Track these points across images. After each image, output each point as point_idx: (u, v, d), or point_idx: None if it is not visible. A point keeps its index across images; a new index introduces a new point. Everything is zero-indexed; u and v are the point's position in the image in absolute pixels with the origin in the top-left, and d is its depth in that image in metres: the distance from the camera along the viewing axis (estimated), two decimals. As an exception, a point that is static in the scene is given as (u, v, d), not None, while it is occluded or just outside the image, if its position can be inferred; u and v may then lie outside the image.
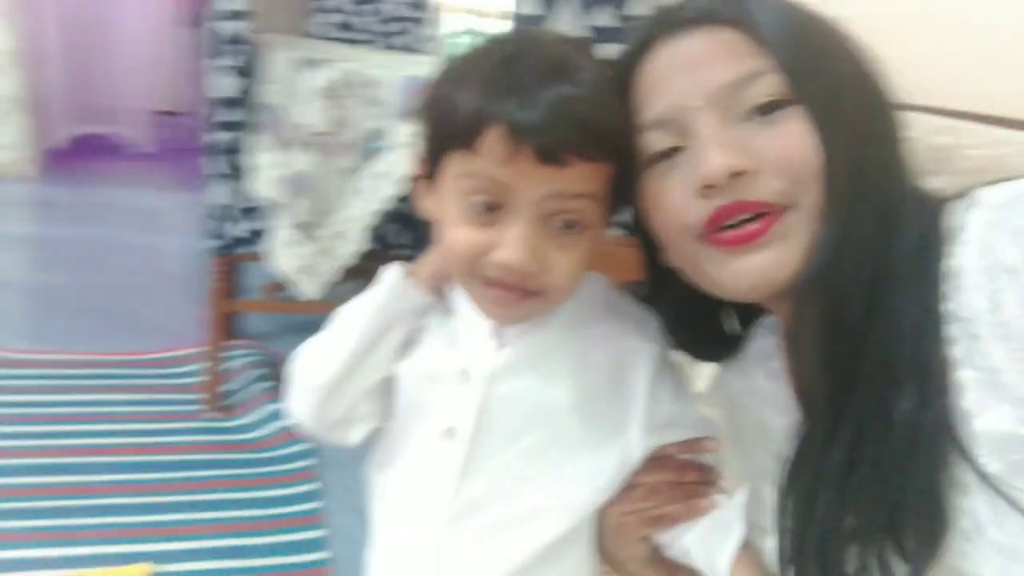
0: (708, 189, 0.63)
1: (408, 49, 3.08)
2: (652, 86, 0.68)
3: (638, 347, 0.77)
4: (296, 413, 0.83)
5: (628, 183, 0.70)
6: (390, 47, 3.12)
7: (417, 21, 3.22)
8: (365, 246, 1.80)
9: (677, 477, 0.76)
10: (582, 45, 0.78)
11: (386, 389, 0.81)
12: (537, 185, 0.65)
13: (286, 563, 1.73)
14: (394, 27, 3.23)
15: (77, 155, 4.88)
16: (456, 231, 0.69)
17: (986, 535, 0.56)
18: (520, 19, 1.30)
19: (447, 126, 0.68)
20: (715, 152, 0.62)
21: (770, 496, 0.71)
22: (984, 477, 0.55)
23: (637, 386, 0.77)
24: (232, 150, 2.03)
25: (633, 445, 0.76)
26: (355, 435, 0.82)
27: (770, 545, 0.70)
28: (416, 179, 0.77)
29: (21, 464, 1.92)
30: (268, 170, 1.91)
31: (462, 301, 0.78)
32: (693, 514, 0.75)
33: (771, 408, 0.75)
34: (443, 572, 0.77)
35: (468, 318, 0.77)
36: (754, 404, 0.79)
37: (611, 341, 0.77)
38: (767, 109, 0.63)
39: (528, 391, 0.76)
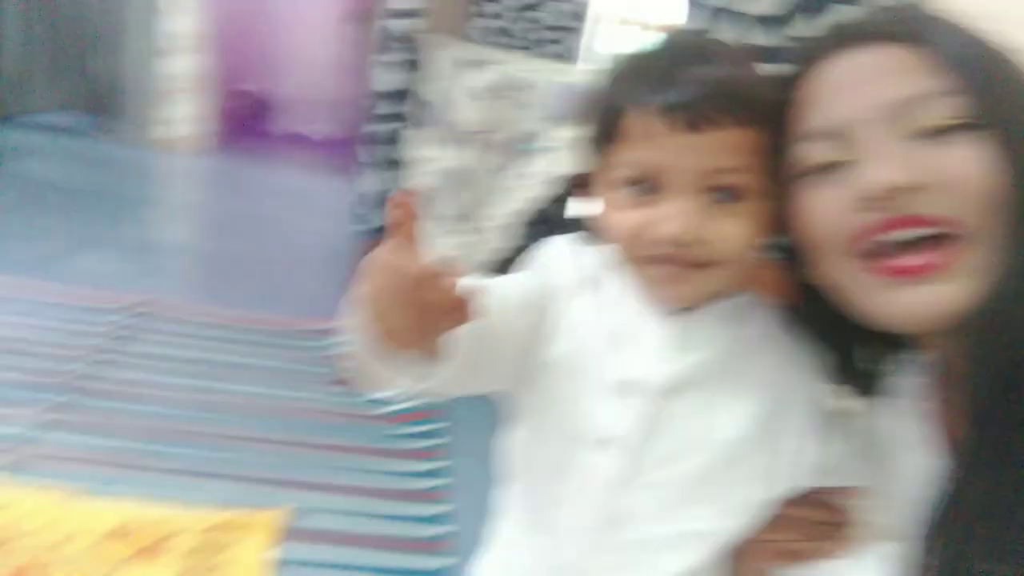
0: (867, 202, 0.61)
1: (561, 57, 3.16)
2: (821, 96, 0.66)
3: (802, 383, 0.76)
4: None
5: (782, 158, 0.69)
6: (543, 55, 3.21)
7: (573, 31, 3.30)
8: (511, 243, 1.87)
9: (824, 516, 0.73)
10: (726, 43, 0.79)
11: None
12: (685, 159, 0.66)
13: (405, 533, 1.81)
14: (550, 35, 3.32)
15: (247, 135, 5.24)
16: (618, 216, 0.70)
17: None
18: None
19: (603, 121, 0.71)
20: (881, 165, 0.61)
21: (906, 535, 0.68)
22: None
23: (797, 424, 0.75)
24: (389, 141, 2.16)
25: (788, 482, 0.74)
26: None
27: None
28: (577, 184, 0.78)
29: (177, 406, 2.11)
30: (429, 162, 2.01)
31: (627, 297, 0.75)
32: (822, 556, 0.72)
33: (915, 451, 0.72)
34: (593, 569, 0.76)
35: (637, 318, 0.74)
36: (897, 446, 0.75)
37: (777, 371, 0.75)
38: (940, 132, 0.61)
39: (697, 413, 0.73)
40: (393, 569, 1.71)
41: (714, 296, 0.73)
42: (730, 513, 0.74)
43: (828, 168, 0.65)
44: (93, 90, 4.56)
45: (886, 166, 0.60)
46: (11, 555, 1.53)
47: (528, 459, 0.80)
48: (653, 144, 0.67)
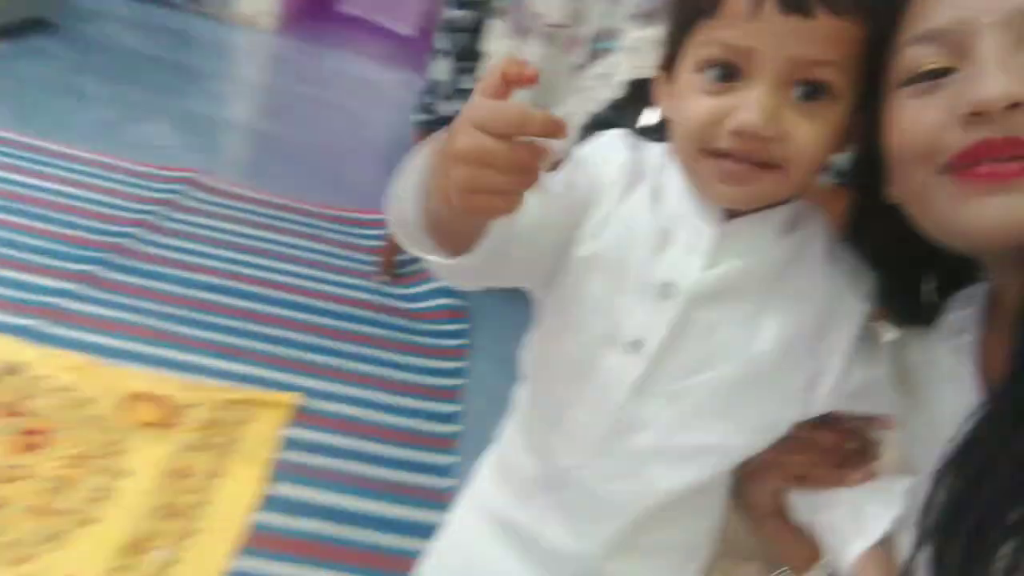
0: (976, 116, 0.55)
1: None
2: None
3: (849, 304, 0.71)
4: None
5: (874, 52, 0.63)
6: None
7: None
8: (574, 145, 1.76)
9: (839, 441, 0.72)
10: None
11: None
12: (779, 44, 0.61)
13: (419, 428, 1.78)
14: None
15: (323, 17, 5.13)
16: (692, 101, 0.65)
17: None
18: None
19: (690, 0, 0.66)
20: (997, 76, 0.54)
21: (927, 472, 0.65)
22: None
23: (839, 346, 0.70)
24: (467, 29, 2.04)
25: (817, 405, 0.71)
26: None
27: (907, 540, 0.63)
28: (656, 77, 0.73)
29: (209, 281, 2.07)
30: (495, 56, 1.90)
31: (680, 197, 0.71)
32: (840, 484, 0.71)
33: (948, 385, 0.69)
34: (589, 485, 0.73)
35: (685, 219, 0.70)
36: (930, 379, 0.72)
37: (825, 289, 0.70)
38: None
39: (731, 323, 0.69)
40: (400, 461, 1.68)
41: (770, 203, 0.68)
42: (750, 430, 0.71)
43: (934, 75, 0.59)
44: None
45: (1002, 76, 0.54)
46: (21, 417, 1.49)
47: (548, 358, 0.76)
48: (752, 22, 0.61)
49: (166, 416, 1.59)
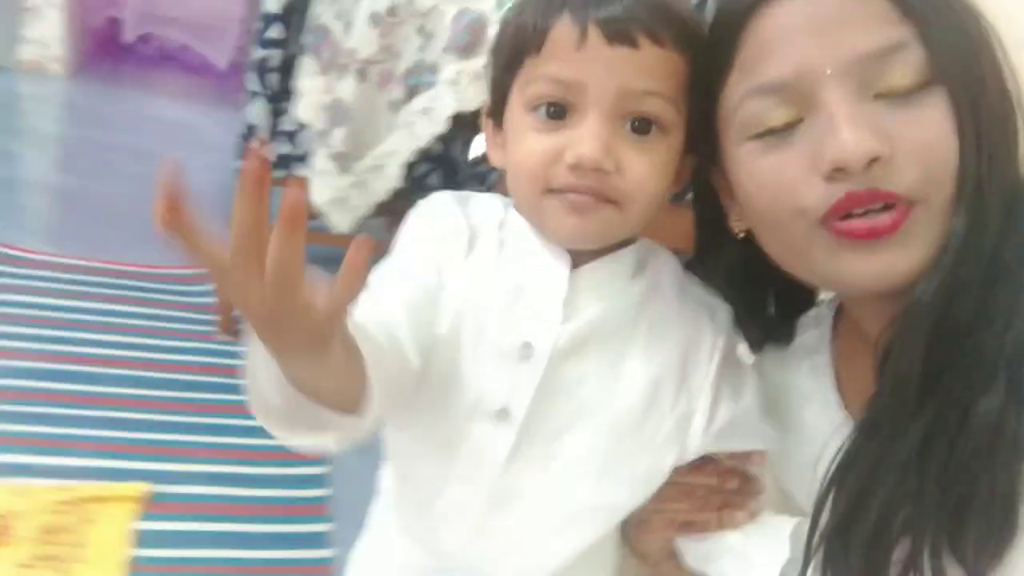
0: (839, 173, 0.57)
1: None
2: (773, 44, 0.61)
3: (707, 339, 0.72)
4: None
5: (703, 95, 0.66)
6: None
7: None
8: (399, 183, 1.72)
9: (718, 483, 0.72)
10: None
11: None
12: (607, 75, 0.62)
13: (285, 496, 1.70)
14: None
15: (124, 59, 4.82)
16: (524, 143, 0.65)
17: None
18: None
19: (516, 39, 0.66)
20: (852, 132, 0.56)
21: (800, 492, 0.70)
22: None
23: (702, 382, 0.71)
24: (275, 69, 1.96)
25: (691, 446, 0.71)
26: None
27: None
28: (485, 125, 0.73)
29: (25, 367, 1.88)
30: (310, 95, 1.84)
31: (523, 250, 0.70)
32: (726, 526, 0.71)
33: (811, 405, 0.73)
34: (477, 567, 0.71)
35: (534, 272, 0.69)
36: (792, 400, 0.75)
37: (681, 327, 0.72)
38: (906, 87, 0.58)
39: (596, 375, 0.69)
40: (270, 536, 1.60)
41: (614, 243, 0.69)
42: (630, 483, 0.70)
43: (783, 128, 0.61)
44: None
45: (856, 132, 0.56)
46: None
47: (415, 437, 0.73)
48: (574, 56, 0.63)
49: (-5, 532, 1.43)
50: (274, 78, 1.98)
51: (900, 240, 0.58)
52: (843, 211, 0.58)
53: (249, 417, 0.58)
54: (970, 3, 0.61)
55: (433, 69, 1.48)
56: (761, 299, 0.77)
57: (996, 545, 0.54)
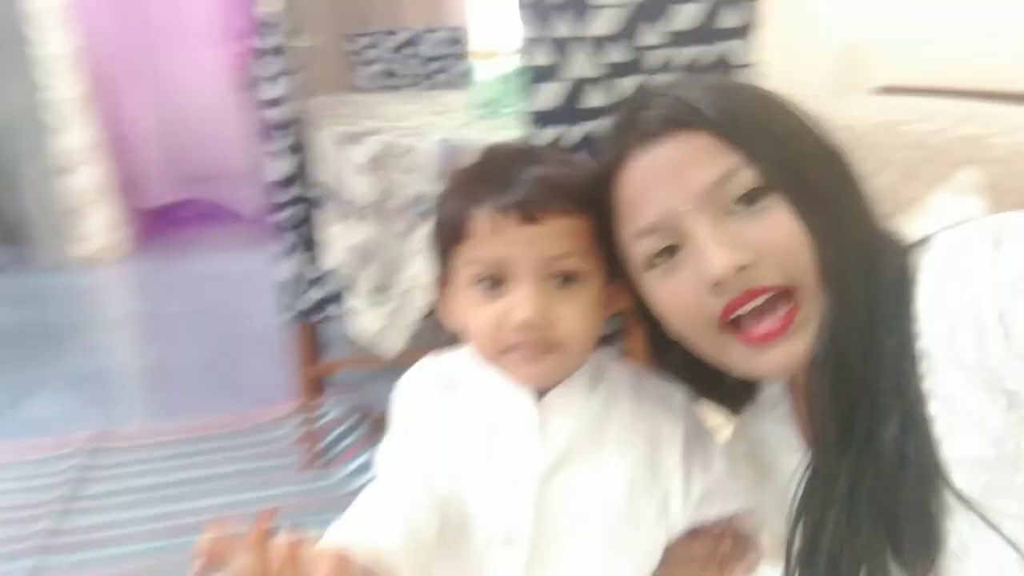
0: (718, 286, 0.68)
1: (449, 86, 3.17)
2: (637, 197, 0.73)
3: (668, 427, 0.82)
4: None
5: (609, 238, 0.77)
6: (433, 86, 3.21)
7: (456, 57, 3.31)
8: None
9: (713, 547, 0.80)
10: (546, 146, 0.86)
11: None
12: (530, 247, 0.74)
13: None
14: (434, 66, 3.33)
15: (170, 225, 5.14)
16: (474, 315, 0.78)
17: (971, 553, 0.61)
18: (535, 71, 1.34)
19: (443, 230, 0.80)
20: (717, 252, 0.67)
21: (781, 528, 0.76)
22: (961, 499, 0.61)
23: (672, 465, 0.81)
24: (297, 224, 2.14)
25: (676, 521, 0.81)
26: None
27: None
28: (436, 293, 0.85)
29: (154, 541, 2.08)
30: (336, 240, 2.00)
31: (494, 390, 0.81)
32: None
33: (782, 450, 0.81)
34: None
35: (505, 409, 0.80)
36: (766, 450, 0.83)
37: (642, 422, 0.82)
38: (750, 199, 0.68)
39: (580, 484, 0.79)
40: None
41: (569, 371, 0.80)
42: (631, 568, 0.79)
43: (666, 253, 0.72)
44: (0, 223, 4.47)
45: (720, 251, 0.67)
46: None
47: (447, 560, 0.81)
48: (496, 239, 0.75)
49: None
50: (296, 233, 2.17)
51: (792, 334, 0.68)
52: (729, 315, 0.69)
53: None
54: (768, 94, 0.72)
55: (425, 198, 1.63)
56: (718, 376, 0.84)
57: (926, 556, 0.63)
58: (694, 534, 0.81)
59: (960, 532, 0.62)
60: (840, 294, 0.67)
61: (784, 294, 0.68)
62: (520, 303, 0.74)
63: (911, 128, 1.09)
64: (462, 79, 3.10)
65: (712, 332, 0.71)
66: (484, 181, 0.77)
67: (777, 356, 0.69)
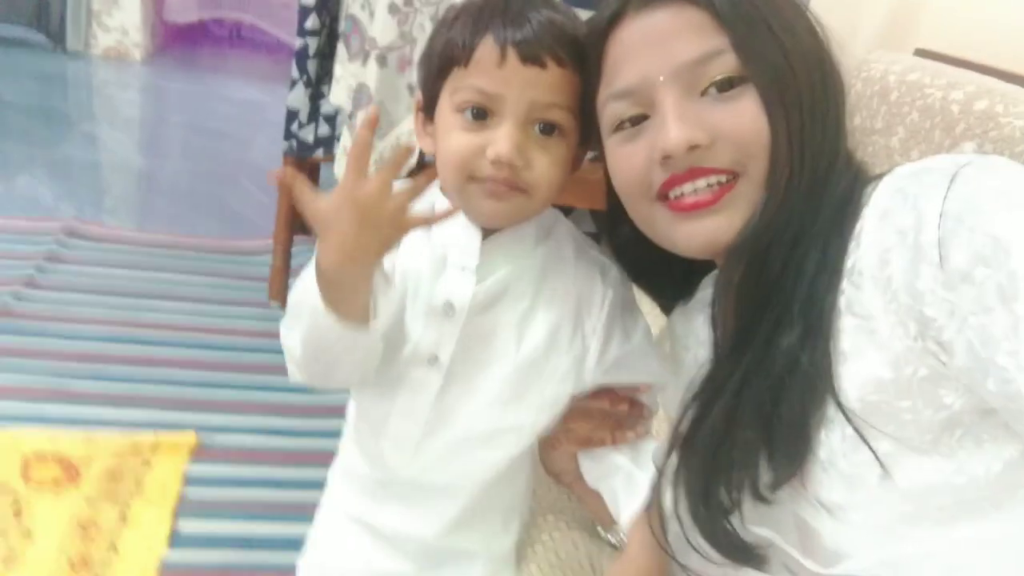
0: (667, 160, 0.69)
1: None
2: (622, 58, 0.73)
3: (599, 293, 0.86)
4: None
5: (592, 107, 0.78)
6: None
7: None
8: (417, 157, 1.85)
9: (611, 406, 0.87)
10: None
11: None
12: (521, 89, 0.75)
13: (319, 446, 1.85)
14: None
15: (200, 39, 5.06)
16: (453, 139, 0.78)
17: (836, 464, 0.64)
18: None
19: (445, 51, 0.79)
20: (675, 126, 0.68)
21: None
22: (843, 410, 0.63)
23: (594, 327, 0.85)
24: (314, 56, 2.10)
25: (587, 379, 0.86)
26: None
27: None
28: (416, 117, 0.86)
29: (96, 331, 2.12)
30: (341, 80, 1.97)
31: (449, 224, 0.81)
32: (619, 441, 0.88)
33: (701, 347, 0.82)
34: (417, 479, 0.88)
35: (454, 243, 0.82)
36: (691, 345, 0.86)
37: (577, 284, 0.86)
38: (724, 86, 0.68)
39: (506, 325, 0.83)
40: (304, 481, 1.73)
41: (523, 219, 0.82)
42: (536, 409, 0.85)
43: (632, 122, 0.73)
44: (37, 2, 4.39)
45: (678, 126, 0.68)
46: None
47: (376, 377, 0.86)
48: (496, 72, 0.75)
49: (66, 474, 1.64)
50: (313, 64, 2.13)
51: (719, 210, 0.69)
52: (668, 189, 0.70)
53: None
54: (794, 7, 0.71)
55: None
56: (662, 265, 0.87)
57: (793, 461, 0.65)
58: (597, 394, 0.87)
59: (830, 444, 0.64)
60: (779, 197, 0.67)
61: (726, 181, 0.69)
62: (502, 139, 0.75)
63: (931, 92, 1.06)
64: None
65: (647, 201, 0.73)
66: (496, 13, 0.76)
67: (699, 228, 0.70)
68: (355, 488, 0.94)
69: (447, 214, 0.74)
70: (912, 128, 1.07)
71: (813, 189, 0.67)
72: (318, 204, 0.67)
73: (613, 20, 0.74)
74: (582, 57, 0.76)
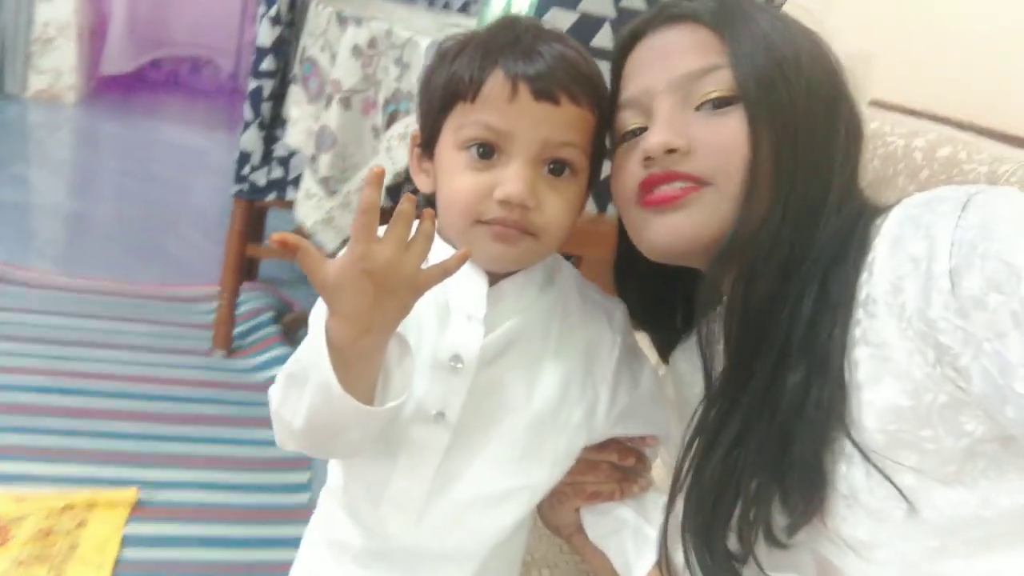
0: (647, 160, 0.70)
1: (462, 10, 3.07)
2: (633, 71, 0.76)
3: (607, 339, 0.82)
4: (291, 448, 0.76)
5: (603, 148, 0.78)
6: (445, 5, 3.10)
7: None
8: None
9: (619, 459, 0.83)
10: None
11: None
12: (533, 127, 0.71)
13: (270, 502, 1.77)
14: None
15: (135, 86, 4.96)
16: (458, 179, 0.73)
17: (860, 500, 0.63)
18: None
19: (450, 85, 0.74)
20: (658, 129, 0.70)
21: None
22: (859, 448, 0.62)
23: (604, 376, 0.81)
24: (268, 98, 2.06)
25: (599, 429, 0.81)
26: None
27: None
28: (413, 152, 0.81)
29: (27, 382, 1.98)
30: (299, 122, 1.93)
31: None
32: (625, 495, 0.83)
33: (697, 384, 0.80)
34: (422, 545, 0.79)
35: (458, 291, 0.76)
36: (696, 381, 0.82)
37: (585, 329, 0.81)
38: (719, 104, 0.69)
39: (515, 378, 0.77)
40: (251, 539, 1.66)
41: (530, 263, 0.78)
42: (549, 465, 0.80)
43: (634, 133, 0.74)
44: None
45: (662, 129, 0.70)
46: None
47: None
48: (506, 107, 0.71)
49: (-6, 534, 1.52)
50: (267, 107, 2.09)
51: (680, 207, 0.69)
52: (647, 188, 0.71)
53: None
54: (803, 31, 0.73)
55: (410, 97, 1.56)
56: (669, 309, 0.87)
57: (811, 501, 0.64)
58: (604, 446, 0.83)
59: (852, 479, 0.63)
60: (758, 217, 0.67)
61: (696, 188, 0.70)
62: (512, 178, 0.71)
63: (893, 140, 1.10)
64: (474, 2, 3.00)
65: (634, 207, 0.74)
66: (505, 45, 0.72)
67: (662, 224, 0.71)
68: (345, 560, 0.83)
69: (461, 260, 0.66)
70: (875, 175, 1.09)
71: (806, 219, 0.67)
72: (327, 272, 0.61)
73: (633, 39, 0.76)
74: (596, 95, 0.75)
